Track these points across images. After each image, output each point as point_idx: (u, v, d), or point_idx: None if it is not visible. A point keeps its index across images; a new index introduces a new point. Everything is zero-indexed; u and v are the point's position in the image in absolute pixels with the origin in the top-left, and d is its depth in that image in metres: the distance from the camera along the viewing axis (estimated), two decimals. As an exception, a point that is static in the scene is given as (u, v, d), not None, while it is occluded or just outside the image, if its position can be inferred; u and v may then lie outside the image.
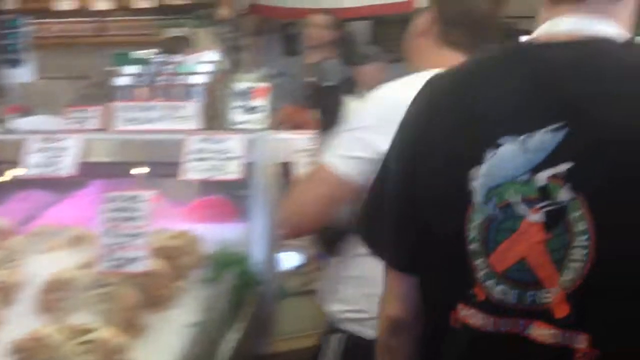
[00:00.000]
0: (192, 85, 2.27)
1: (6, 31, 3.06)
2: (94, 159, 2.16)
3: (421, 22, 1.79)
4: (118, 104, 2.25)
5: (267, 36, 6.19)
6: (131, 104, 2.24)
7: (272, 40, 6.28)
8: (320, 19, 3.76)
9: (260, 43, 6.15)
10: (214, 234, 2.02)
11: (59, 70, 5.60)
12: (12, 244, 1.86)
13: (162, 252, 1.66)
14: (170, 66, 2.35)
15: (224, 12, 5.81)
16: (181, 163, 1.99)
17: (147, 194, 1.51)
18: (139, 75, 2.32)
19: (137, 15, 6.07)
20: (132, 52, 5.11)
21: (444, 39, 1.75)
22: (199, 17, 6.00)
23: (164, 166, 2.14)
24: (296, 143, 2.07)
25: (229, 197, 2.23)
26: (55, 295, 1.54)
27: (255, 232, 2.03)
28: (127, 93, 2.32)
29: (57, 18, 6.15)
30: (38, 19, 5.98)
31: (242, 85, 2.19)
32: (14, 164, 2.19)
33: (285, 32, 6.20)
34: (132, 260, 1.47)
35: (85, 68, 6.06)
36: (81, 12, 6.12)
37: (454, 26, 1.74)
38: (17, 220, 2.15)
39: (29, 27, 3.13)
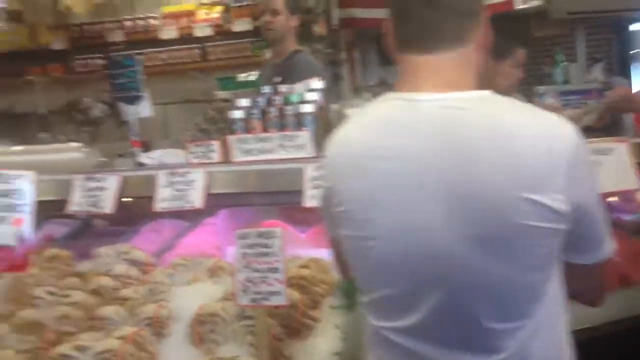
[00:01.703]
0: (303, 114, 2.34)
1: (123, 70, 3.25)
2: (217, 190, 2.29)
3: None
4: (235, 137, 2.36)
5: (362, 48, 6.25)
6: (247, 136, 2.35)
7: (367, 52, 6.34)
8: None
9: (356, 56, 6.22)
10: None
11: (167, 96, 5.90)
12: (155, 277, 1.99)
13: (295, 282, 1.74)
14: (279, 96, 2.44)
15: (319, 28, 5.92)
16: (302, 191, 2.07)
17: (279, 230, 1.59)
18: (251, 107, 2.42)
19: (236, 38, 6.28)
20: (235, 76, 5.30)
21: None
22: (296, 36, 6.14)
23: (282, 195, 2.23)
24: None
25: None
26: (204, 328, 1.64)
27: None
28: (242, 125, 2.43)
29: (162, 47, 6.46)
30: (144, 49, 6.35)
31: (352, 110, 2.25)
32: (145, 197, 2.34)
33: (380, 43, 6.24)
34: (270, 294, 1.55)
35: (191, 93, 6.34)
36: (183, 39, 6.40)
37: None
38: (153, 251, 2.29)
39: (141, 63, 3.32)
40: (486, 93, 1.23)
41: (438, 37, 1.23)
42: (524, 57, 3.65)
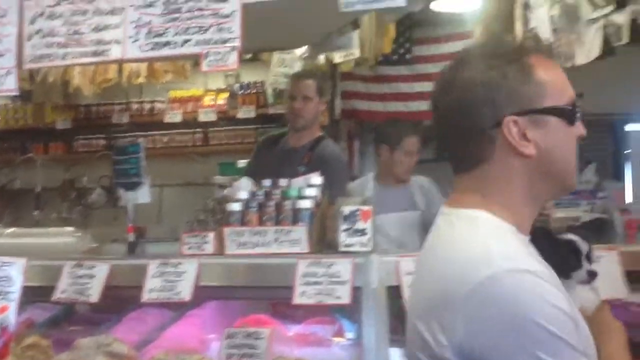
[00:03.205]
0: (300, 210, 2.33)
1: (125, 157, 3.25)
2: (207, 282, 2.25)
3: None
4: (230, 229, 2.34)
5: (361, 139, 6.34)
6: (243, 228, 2.33)
7: (366, 144, 6.43)
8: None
9: (355, 146, 6.29)
10: (326, 358, 2.03)
11: (166, 178, 5.93)
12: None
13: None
14: (278, 190, 2.44)
15: (322, 118, 6.01)
16: (293, 287, 2.04)
17: (266, 332, 1.55)
18: (250, 200, 2.42)
19: (239, 124, 6.38)
20: (236, 162, 5.29)
21: None
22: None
23: (274, 289, 2.20)
24: (405, 265, 2.07)
25: (339, 318, 2.24)
26: None
27: (366, 356, 2.02)
28: (239, 217, 2.41)
29: (165, 130, 6.55)
30: (147, 131, 6.43)
31: (348, 207, 2.24)
32: (134, 286, 2.30)
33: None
34: (253, 398, 1.50)
35: (190, 176, 6.39)
36: (187, 123, 6.49)
37: None
38: (136, 341, 2.23)
39: (144, 149, 3.33)
40: (469, 212, 1.23)
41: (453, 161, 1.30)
42: (417, 144, 3.77)
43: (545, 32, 3.36)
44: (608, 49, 2.98)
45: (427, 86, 5.97)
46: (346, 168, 3.27)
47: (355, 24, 2.82)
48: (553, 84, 1.23)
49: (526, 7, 3.49)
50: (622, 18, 2.86)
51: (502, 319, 1.04)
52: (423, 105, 6.01)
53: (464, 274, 1.11)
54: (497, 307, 1.05)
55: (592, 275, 1.74)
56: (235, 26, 1.99)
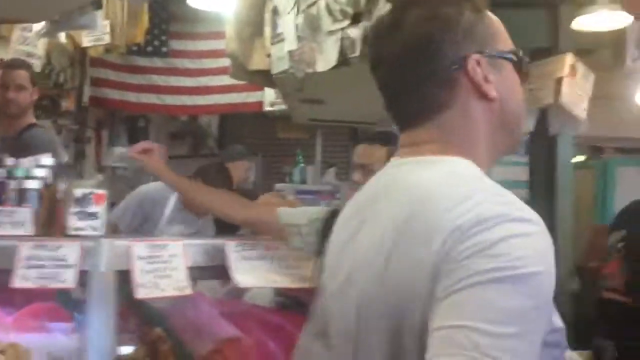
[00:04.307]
0: (27, 190, 2.22)
1: None
2: None
3: None
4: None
5: (111, 129, 6.15)
6: (-42, 207, 2.16)
7: (116, 133, 6.26)
8: None
9: (104, 135, 6.09)
10: (47, 343, 1.96)
11: None
12: None
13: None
14: (2, 169, 2.29)
15: (67, 104, 5.72)
16: (13, 270, 1.93)
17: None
18: (-31, 177, 2.24)
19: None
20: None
21: None
22: (40, 109, 5.85)
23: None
24: (137, 250, 2.07)
25: (64, 305, 2.16)
26: None
27: (92, 341, 1.98)
28: (-45, 195, 2.22)
29: None
30: None
31: (81, 190, 2.18)
32: None
33: (130, 125, 6.20)
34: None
35: None
36: None
37: None
38: None
39: None
40: (442, 158, 1.08)
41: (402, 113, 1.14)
42: (249, 165, 4.14)
43: (291, 39, 3.56)
44: (344, 60, 3.25)
45: (182, 81, 5.98)
46: (57, 151, 3.31)
47: (98, 4, 2.75)
48: (501, 28, 1.14)
49: (275, 12, 3.67)
50: (356, 32, 3.14)
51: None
52: (178, 100, 6.02)
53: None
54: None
55: None
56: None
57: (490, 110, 1.10)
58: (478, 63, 1.08)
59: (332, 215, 2.49)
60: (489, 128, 1.10)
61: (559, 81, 2.93)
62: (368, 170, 2.43)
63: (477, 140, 1.10)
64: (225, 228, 4.45)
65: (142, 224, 3.80)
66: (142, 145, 2.47)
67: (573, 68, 2.95)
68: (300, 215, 2.48)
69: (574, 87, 2.98)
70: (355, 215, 1.16)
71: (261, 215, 2.50)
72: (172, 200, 3.83)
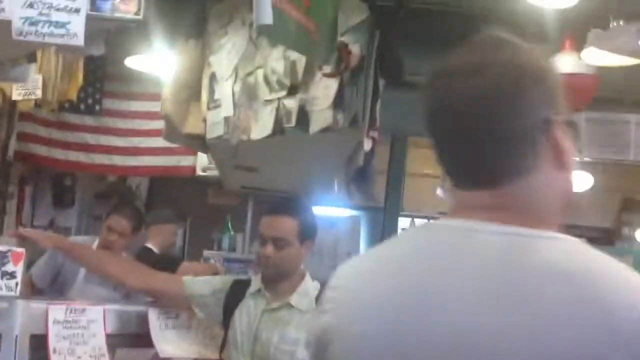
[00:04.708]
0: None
1: None
2: None
3: None
4: None
5: (36, 185, 5.96)
6: None
7: (40, 190, 6.07)
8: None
9: (28, 192, 5.89)
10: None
11: None
12: None
13: None
14: None
15: None
16: None
17: None
18: None
19: None
20: None
21: None
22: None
23: None
24: (53, 313, 1.98)
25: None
26: None
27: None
28: None
29: None
30: None
31: (-1, 248, 2.08)
32: None
33: (56, 183, 6.03)
34: None
35: None
36: None
37: None
38: None
39: None
40: (547, 233, 0.92)
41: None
42: (176, 229, 4.20)
43: (227, 105, 3.59)
44: (279, 129, 3.29)
45: (113, 140, 5.89)
46: None
47: (32, 57, 2.71)
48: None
49: (213, 78, 3.71)
50: (292, 103, 3.20)
51: None
52: (107, 159, 5.91)
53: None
54: None
55: None
56: None
57: (565, 181, 0.96)
58: (560, 126, 0.94)
59: (236, 285, 2.46)
60: (559, 201, 0.96)
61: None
62: (277, 243, 2.35)
63: (553, 212, 0.95)
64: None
65: (56, 278, 3.67)
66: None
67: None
68: (205, 285, 2.44)
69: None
70: (408, 290, 0.92)
71: (164, 284, 2.46)
72: None
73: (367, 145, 2.82)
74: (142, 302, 2.52)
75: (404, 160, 4.49)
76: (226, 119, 3.58)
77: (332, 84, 2.97)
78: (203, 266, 5.00)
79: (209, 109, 3.75)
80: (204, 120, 3.79)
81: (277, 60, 3.31)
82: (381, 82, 2.91)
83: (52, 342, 1.89)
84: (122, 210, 4.06)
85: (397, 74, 3.04)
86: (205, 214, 6.31)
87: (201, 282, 2.43)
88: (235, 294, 2.40)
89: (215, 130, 3.69)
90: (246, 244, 5.68)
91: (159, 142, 5.37)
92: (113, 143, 5.91)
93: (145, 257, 4.59)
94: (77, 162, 5.86)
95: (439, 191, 3.31)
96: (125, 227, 3.90)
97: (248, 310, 2.32)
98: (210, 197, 6.29)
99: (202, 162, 5.45)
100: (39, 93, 3.90)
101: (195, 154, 5.48)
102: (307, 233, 2.41)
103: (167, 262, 4.74)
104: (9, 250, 2.08)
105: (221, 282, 2.50)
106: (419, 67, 3.12)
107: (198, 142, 3.96)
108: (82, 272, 3.56)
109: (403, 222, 4.94)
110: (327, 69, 2.99)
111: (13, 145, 5.64)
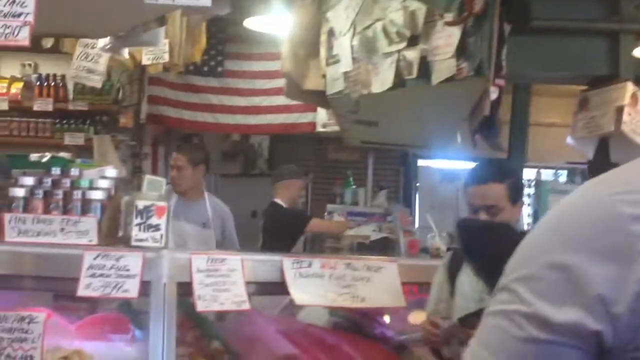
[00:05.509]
0: (91, 200, 2.28)
1: None
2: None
3: None
4: (11, 215, 2.21)
5: (167, 145, 6.27)
6: (25, 215, 2.22)
7: (173, 150, 6.39)
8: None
9: (160, 152, 6.21)
10: (109, 352, 2.00)
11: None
12: None
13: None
14: (68, 180, 2.36)
15: (125, 120, 5.86)
16: (78, 279, 1.98)
17: (41, 316, 1.50)
18: (35, 186, 2.31)
19: (34, 117, 6.01)
20: (27, 154, 5.03)
21: None
22: (99, 124, 6.02)
23: (58, 281, 2.12)
24: (197, 262, 2.11)
25: (126, 313, 2.21)
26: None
27: (152, 352, 2.01)
28: (22, 204, 2.29)
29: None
30: None
31: (143, 202, 2.22)
32: None
33: (185, 143, 6.32)
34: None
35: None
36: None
37: None
38: None
39: None
40: None
41: None
42: (302, 184, 4.43)
43: (346, 60, 3.60)
44: (399, 81, 3.26)
45: (235, 100, 6.08)
46: None
47: (162, 21, 2.82)
48: None
49: (331, 34, 3.72)
50: (413, 54, 3.16)
51: None
52: (230, 119, 6.11)
53: None
54: None
55: None
56: (29, 1, 1.91)
57: None
58: None
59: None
60: None
61: (619, 109, 2.89)
62: (490, 210, 2.30)
63: None
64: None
65: None
66: None
67: (634, 96, 2.91)
68: None
69: (636, 115, 2.93)
70: None
71: None
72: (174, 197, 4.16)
73: (494, 93, 2.73)
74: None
75: (528, 109, 4.35)
76: (345, 73, 3.60)
77: (455, 32, 2.90)
78: (332, 223, 5.12)
79: (327, 64, 3.78)
80: (324, 76, 3.83)
81: (396, 11, 3.27)
82: (506, 28, 2.80)
83: (196, 289, 2.02)
84: (181, 148, 4.46)
85: (524, 18, 2.92)
86: (325, 170, 6.41)
87: None
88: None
89: (335, 86, 3.72)
90: (368, 197, 5.73)
91: (279, 100, 5.49)
92: (235, 103, 6.10)
93: (274, 212, 4.76)
94: (204, 123, 6.10)
95: (569, 139, 3.17)
96: (183, 162, 4.23)
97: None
98: (331, 153, 6.37)
99: (321, 118, 5.52)
100: (166, 57, 4.07)
101: (314, 110, 5.55)
102: (516, 194, 2.38)
103: (296, 217, 4.89)
104: (152, 205, 2.22)
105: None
106: (546, 11, 2.99)
107: (319, 98, 4.01)
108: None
109: (528, 173, 4.81)
110: (449, 16, 2.92)
111: (144, 108, 5.95)
